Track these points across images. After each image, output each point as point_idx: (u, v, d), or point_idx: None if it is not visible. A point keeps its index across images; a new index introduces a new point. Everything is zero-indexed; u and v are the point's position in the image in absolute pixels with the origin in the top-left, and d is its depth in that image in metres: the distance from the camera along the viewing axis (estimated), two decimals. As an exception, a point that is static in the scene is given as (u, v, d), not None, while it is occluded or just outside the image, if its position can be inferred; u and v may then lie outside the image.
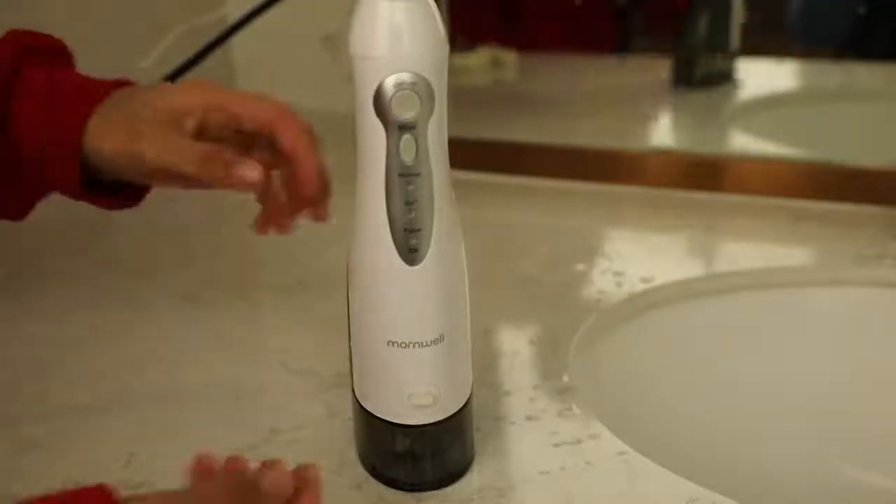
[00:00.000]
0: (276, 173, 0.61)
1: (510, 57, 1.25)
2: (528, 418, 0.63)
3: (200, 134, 0.59)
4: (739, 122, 1.15)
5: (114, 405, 0.66)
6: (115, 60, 1.03)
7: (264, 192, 0.61)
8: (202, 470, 0.46)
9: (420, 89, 0.49)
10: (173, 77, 0.90)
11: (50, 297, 0.82)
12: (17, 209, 0.65)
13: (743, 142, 1.14)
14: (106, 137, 0.59)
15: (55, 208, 0.66)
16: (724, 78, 1.18)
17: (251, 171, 0.55)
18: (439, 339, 0.53)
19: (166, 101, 0.59)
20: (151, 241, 0.92)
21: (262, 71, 1.28)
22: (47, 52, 0.63)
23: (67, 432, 0.63)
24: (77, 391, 0.68)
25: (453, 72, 0.51)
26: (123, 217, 0.93)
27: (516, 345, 0.72)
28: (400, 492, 0.56)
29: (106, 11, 1.06)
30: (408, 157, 0.50)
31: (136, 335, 0.76)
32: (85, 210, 0.65)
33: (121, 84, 0.62)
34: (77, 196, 0.63)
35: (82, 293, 0.82)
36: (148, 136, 0.57)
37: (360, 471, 0.58)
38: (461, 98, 1.15)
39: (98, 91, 0.60)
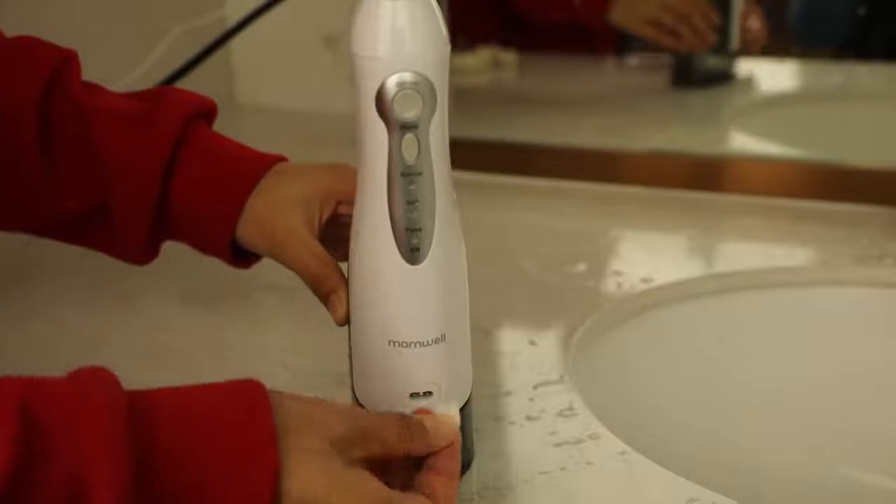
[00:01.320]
0: None
1: (510, 57, 1.25)
2: (528, 418, 0.63)
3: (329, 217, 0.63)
4: (739, 122, 1.15)
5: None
6: (114, 62, 1.03)
7: None
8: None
9: (422, 89, 0.49)
10: (173, 79, 0.90)
11: (49, 297, 0.82)
12: (146, 259, 0.67)
13: (743, 142, 1.14)
14: (250, 238, 0.63)
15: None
16: (723, 78, 1.18)
17: (337, 313, 0.58)
18: (440, 339, 0.53)
19: (304, 191, 0.62)
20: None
21: (262, 71, 1.28)
22: (204, 115, 0.66)
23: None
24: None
25: (453, 72, 0.51)
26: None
27: (516, 345, 0.72)
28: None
29: (105, 12, 1.06)
30: (410, 156, 0.50)
31: (136, 335, 0.76)
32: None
33: (273, 161, 0.65)
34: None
35: (81, 293, 0.82)
36: (280, 245, 0.62)
37: (361, 471, 0.58)
38: (462, 98, 1.16)
39: (251, 176, 0.64)
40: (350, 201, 0.59)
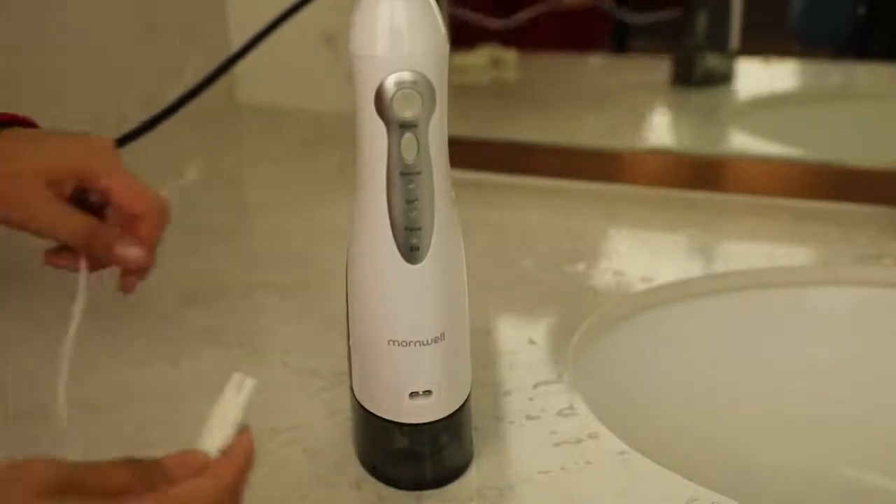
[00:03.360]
0: None
1: (510, 56, 1.25)
2: (528, 418, 0.63)
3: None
4: (739, 122, 1.15)
5: (114, 404, 0.66)
6: (119, 71, 1.03)
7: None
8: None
9: (421, 88, 0.49)
10: (182, 103, 0.88)
11: (48, 295, 0.82)
12: None
13: (743, 142, 1.14)
14: None
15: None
16: (724, 78, 1.18)
17: (134, 250, 0.57)
18: (440, 338, 0.53)
19: (43, 161, 0.59)
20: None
21: (261, 70, 1.28)
22: None
23: (67, 430, 0.63)
24: (77, 389, 0.67)
25: (453, 71, 0.51)
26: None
27: (516, 344, 0.72)
28: (399, 491, 0.56)
29: (103, 20, 1.06)
30: (409, 155, 0.50)
31: (136, 334, 0.75)
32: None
33: (7, 118, 0.61)
34: None
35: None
36: (30, 208, 0.58)
37: (360, 470, 0.58)
38: (461, 97, 1.16)
39: None
40: (91, 178, 0.57)
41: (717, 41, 1.15)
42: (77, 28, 1.00)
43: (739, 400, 0.78)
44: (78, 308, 0.58)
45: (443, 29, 0.50)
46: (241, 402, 0.44)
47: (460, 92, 1.14)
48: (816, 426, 0.77)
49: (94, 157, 0.60)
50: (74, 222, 0.57)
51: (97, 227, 0.58)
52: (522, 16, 1.22)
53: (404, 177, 0.50)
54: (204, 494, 0.40)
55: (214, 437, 0.43)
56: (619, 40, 1.27)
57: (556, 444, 0.60)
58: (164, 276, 0.84)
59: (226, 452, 0.43)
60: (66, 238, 0.58)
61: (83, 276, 0.59)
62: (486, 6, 1.25)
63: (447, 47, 0.50)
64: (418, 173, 0.50)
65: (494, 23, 1.24)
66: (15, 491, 0.37)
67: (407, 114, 0.49)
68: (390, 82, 0.49)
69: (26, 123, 0.63)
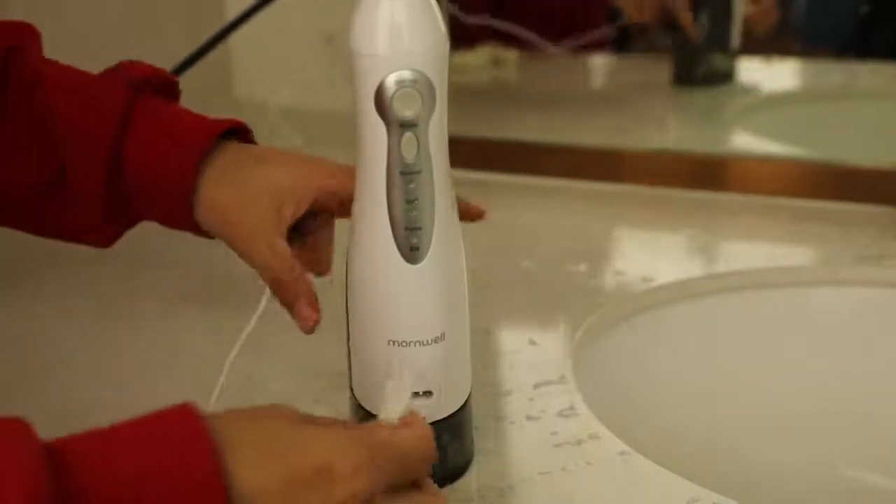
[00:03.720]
0: None
1: (510, 56, 1.25)
2: (528, 418, 0.63)
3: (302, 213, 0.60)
4: (740, 122, 1.15)
5: (114, 405, 0.66)
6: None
7: None
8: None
9: (421, 87, 0.49)
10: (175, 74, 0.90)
11: (51, 298, 0.82)
12: (109, 237, 0.64)
13: (743, 141, 1.14)
14: (213, 225, 0.60)
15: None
16: (725, 77, 1.18)
17: (307, 313, 0.57)
18: (440, 338, 0.53)
19: (275, 181, 0.59)
20: (148, 241, 0.92)
21: (260, 67, 1.28)
22: (158, 86, 0.63)
23: (69, 431, 0.63)
24: (77, 391, 0.67)
25: (453, 70, 0.51)
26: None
27: (516, 345, 0.72)
28: (399, 491, 0.56)
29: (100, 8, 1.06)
30: (409, 155, 0.50)
31: (136, 336, 0.75)
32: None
33: (232, 125, 0.62)
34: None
35: (83, 293, 0.82)
36: (243, 240, 0.59)
37: (360, 470, 0.57)
38: (461, 97, 1.16)
39: (207, 137, 0.60)
40: (329, 197, 0.58)
41: (719, 41, 1.15)
42: (77, 28, 1.00)
43: (739, 400, 0.77)
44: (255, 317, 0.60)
45: (443, 27, 0.50)
46: (406, 399, 0.48)
47: (460, 92, 1.14)
48: (816, 426, 0.77)
49: (329, 176, 0.59)
50: (278, 263, 0.58)
51: (294, 278, 0.58)
52: (587, 39, 1.23)
53: (404, 176, 0.50)
54: (419, 435, 0.45)
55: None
56: (620, 40, 1.27)
57: (557, 445, 0.60)
58: (165, 276, 0.84)
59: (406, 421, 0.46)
60: (262, 275, 0.58)
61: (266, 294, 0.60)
62: (482, 5, 1.24)
63: (447, 46, 0.50)
64: (418, 173, 0.50)
65: (558, 50, 1.24)
66: (276, 417, 0.43)
67: (407, 113, 0.49)
68: (390, 81, 0.49)
69: (244, 131, 0.63)
